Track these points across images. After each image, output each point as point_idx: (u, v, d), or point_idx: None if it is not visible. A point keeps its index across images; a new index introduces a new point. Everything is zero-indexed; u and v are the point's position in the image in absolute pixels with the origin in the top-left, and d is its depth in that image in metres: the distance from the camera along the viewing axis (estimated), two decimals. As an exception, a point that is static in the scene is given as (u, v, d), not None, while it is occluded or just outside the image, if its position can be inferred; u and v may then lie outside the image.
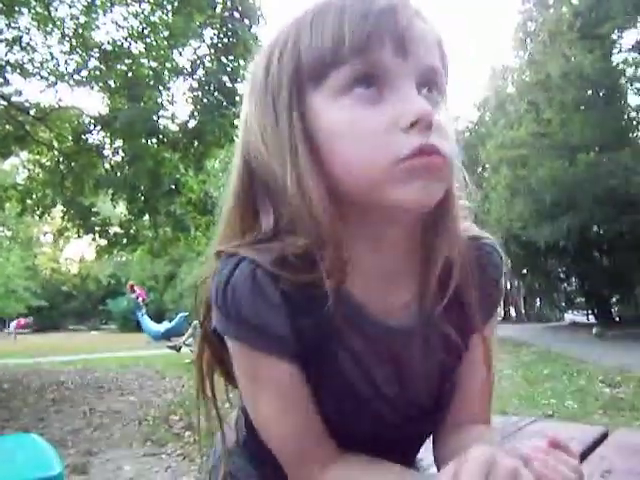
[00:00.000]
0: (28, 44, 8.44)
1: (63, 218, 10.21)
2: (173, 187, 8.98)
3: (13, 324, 24.87)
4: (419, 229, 0.63)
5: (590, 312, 21.58)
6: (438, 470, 0.66)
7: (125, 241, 10.26)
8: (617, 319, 18.74)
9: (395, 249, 0.63)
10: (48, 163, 9.98)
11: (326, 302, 0.59)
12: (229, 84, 8.69)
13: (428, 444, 0.75)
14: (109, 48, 8.32)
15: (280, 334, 0.60)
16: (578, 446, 0.85)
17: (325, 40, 0.56)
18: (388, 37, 0.55)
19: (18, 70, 8.46)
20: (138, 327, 19.07)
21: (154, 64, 8.61)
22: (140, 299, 19.03)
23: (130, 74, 8.38)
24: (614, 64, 15.34)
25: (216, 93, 8.52)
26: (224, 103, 8.50)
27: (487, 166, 23.55)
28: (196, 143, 8.79)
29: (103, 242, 10.31)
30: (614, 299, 19.71)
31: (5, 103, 8.67)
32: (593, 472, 0.73)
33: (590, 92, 15.28)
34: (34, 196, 10.09)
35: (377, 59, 0.55)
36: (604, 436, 0.90)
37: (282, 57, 0.60)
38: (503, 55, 51.61)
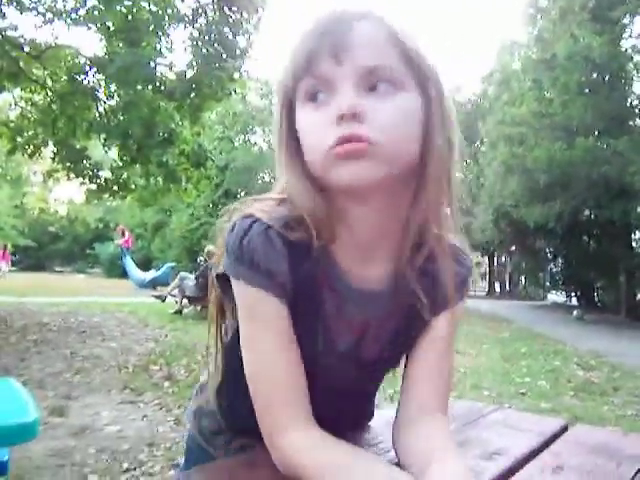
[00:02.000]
0: (25, -23, 8.18)
1: (54, 159, 10.10)
2: (167, 137, 8.88)
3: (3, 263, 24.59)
4: (395, 208, 0.72)
5: (573, 295, 21.85)
6: (396, 454, 0.74)
7: (115, 187, 10.21)
8: (599, 304, 19.00)
9: (368, 224, 0.72)
10: (41, 102, 9.81)
11: (317, 261, 0.72)
12: (230, 36, 8.52)
13: (383, 429, 0.79)
14: (109, -12, 8.10)
15: (282, 280, 0.71)
16: (535, 438, 0.88)
17: (291, 60, 0.71)
18: (327, 50, 0.67)
19: (14, 3, 8.22)
20: (124, 273, 19.11)
21: (155, 8, 8.40)
22: (125, 245, 19.02)
23: (129, 17, 8.18)
24: (623, 49, 15.12)
25: (216, 44, 8.36)
26: (223, 55, 8.34)
27: (485, 141, 23.42)
28: (193, 94, 8.65)
29: (93, 187, 10.25)
30: (598, 284, 19.93)
31: (0, 37, 8.45)
32: (546, 467, 0.76)
33: (595, 75, 15.10)
34: (25, 134, 9.96)
35: (320, 72, 0.68)
36: (563, 430, 0.94)
37: (283, 69, 0.73)
38: (513, 30, 50.75)
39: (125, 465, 2.83)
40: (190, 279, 10.04)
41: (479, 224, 21.89)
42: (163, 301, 10.95)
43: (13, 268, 31.89)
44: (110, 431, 3.39)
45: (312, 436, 0.71)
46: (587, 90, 15.06)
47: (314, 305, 0.74)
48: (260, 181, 32.92)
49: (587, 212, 17.44)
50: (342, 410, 0.81)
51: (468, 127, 26.55)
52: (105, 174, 10.36)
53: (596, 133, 14.94)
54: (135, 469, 2.80)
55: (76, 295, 13.52)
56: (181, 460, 2.74)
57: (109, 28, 8.42)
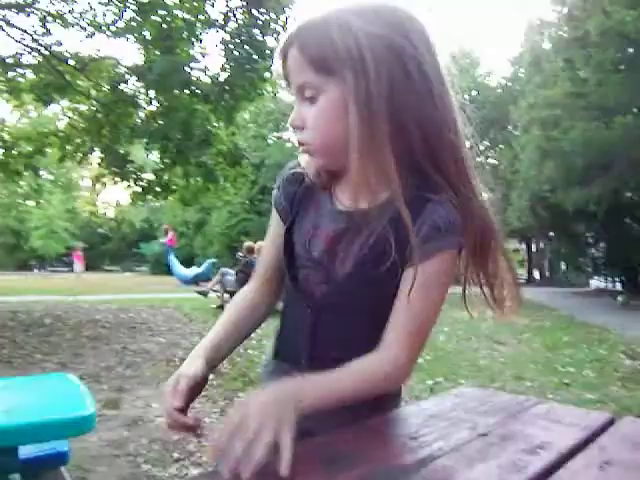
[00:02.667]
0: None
1: (100, 164, 10.36)
2: (204, 138, 8.98)
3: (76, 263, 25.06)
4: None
5: (617, 280, 21.04)
6: None
7: (158, 189, 10.39)
8: (644, 288, 18.21)
9: (346, 182, 0.90)
10: (87, 111, 10.07)
11: (311, 193, 0.95)
12: (259, 37, 8.55)
13: (424, 422, 0.78)
14: (145, 0, 8.22)
15: (280, 206, 0.99)
16: (580, 432, 0.84)
17: None
18: (284, 77, 0.89)
19: (59, 20, 8.44)
20: (168, 270, 19.45)
21: (187, 16, 8.49)
22: (169, 243, 19.34)
23: (164, 25, 8.29)
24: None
25: (247, 46, 8.39)
26: (254, 56, 8.38)
27: (518, 125, 22.83)
28: (227, 96, 8.72)
29: (137, 189, 10.46)
30: (643, 268, 19.06)
31: (47, 53, 8.69)
32: (592, 463, 0.72)
33: (631, 51, 14.46)
34: (73, 142, 10.23)
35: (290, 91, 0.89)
36: (609, 424, 0.89)
37: None
38: (541, 8, 49.18)
39: (175, 455, 2.88)
40: (231, 274, 10.14)
41: (515, 210, 21.39)
42: (205, 296, 11.08)
43: (65, 269, 32.85)
44: (161, 422, 3.45)
45: (244, 290, 1.05)
46: (622, 67, 14.48)
47: (303, 219, 0.94)
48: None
49: (628, 194, 16.80)
50: (339, 339, 0.89)
51: (499, 112, 25.97)
52: (148, 176, 10.57)
53: (635, 110, 14.36)
54: (185, 459, 2.84)
55: (125, 292, 13.85)
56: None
57: (146, 38, 8.56)
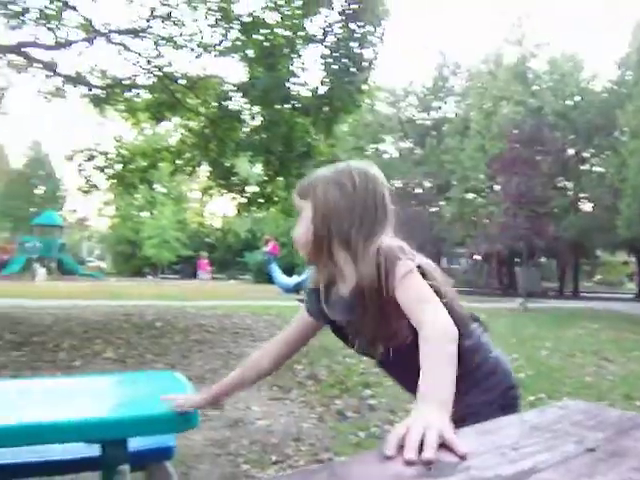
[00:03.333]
0: (179, 19, 8.91)
1: (208, 177, 10.87)
2: (305, 151, 9.17)
3: (202, 272, 26.52)
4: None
5: None
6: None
7: (261, 200, 10.72)
8: None
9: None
10: (196, 127, 10.61)
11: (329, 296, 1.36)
12: (357, 50, 8.60)
13: (526, 434, 0.73)
14: (248, 20, 8.55)
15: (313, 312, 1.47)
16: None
17: None
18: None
19: (170, 43, 8.99)
20: (270, 279, 19.96)
21: (288, 33, 8.73)
22: (271, 253, 19.86)
23: (266, 43, 8.57)
24: None
25: (345, 59, 8.48)
26: (352, 69, 8.44)
27: (625, 130, 21.25)
28: (326, 108, 8.85)
29: (242, 200, 10.85)
30: None
31: (160, 74, 9.28)
32: None
33: None
34: (184, 157, 10.82)
35: None
36: None
37: None
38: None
39: (274, 457, 2.93)
40: (330, 283, 10.19)
41: (624, 220, 19.89)
42: (306, 304, 11.21)
43: (175, 276, 34.64)
44: (260, 425, 3.53)
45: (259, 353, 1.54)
46: None
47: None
48: (392, 187, 32.74)
49: None
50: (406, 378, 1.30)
51: (605, 117, 24.35)
52: (252, 188, 10.93)
53: None
54: (283, 462, 2.88)
55: (229, 299, 14.37)
56: (324, 455, 2.75)
57: (249, 56, 8.90)
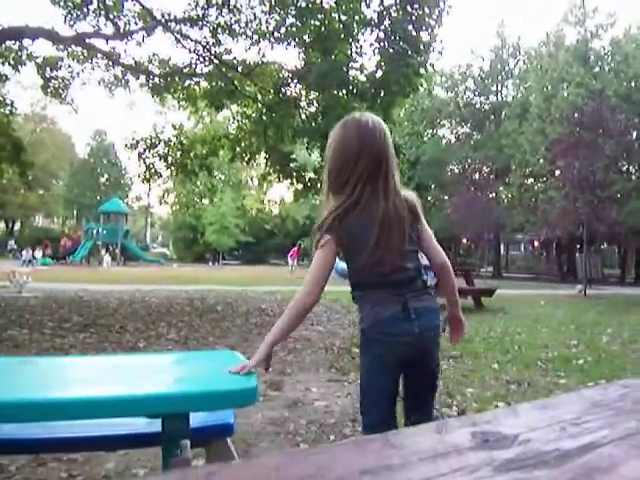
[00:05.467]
0: (235, 7, 8.98)
1: (266, 164, 10.98)
2: (361, 136, 9.09)
3: (291, 260, 27.09)
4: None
5: None
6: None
7: (319, 186, 10.74)
8: None
9: None
10: (254, 114, 10.71)
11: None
12: (414, 33, 8.42)
13: (588, 410, 0.69)
14: (303, 5, 8.52)
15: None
16: None
17: None
18: None
19: (227, 31, 9.09)
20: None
21: (344, 17, 8.64)
22: None
23: (322, 28, 8.52)
24: None
25: (401, 43, 8.32)
26: (409, 52, 8.28)
27: None
28: (382, 93, 8.74)
29: (299, 186, 10.91)
30: None
31: (217, 61, 9.40)
32: None
33: None
34: (242, 144, 10.96)
35: None
36: None
37: None
38: None
39: (332, 437, 2.93)
40: (388, 268, 10.13)
41: None
42: (363, 289, 11.21)
43: (235, 262, 35.25)
44: (318, 405, 3.56)
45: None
46: None
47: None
48: (450, 173, 32.11)
49: None
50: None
51: None
52: (309, 174, 10.97)
53: None
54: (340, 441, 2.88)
55: (288, 284, 14.53)
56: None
57: (306, 41, 8.87)
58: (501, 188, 30.40)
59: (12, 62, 10.26)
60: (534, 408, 0.77)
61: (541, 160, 25.58)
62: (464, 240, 34.34)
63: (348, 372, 4.50)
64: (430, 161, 30.48)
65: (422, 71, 8.83)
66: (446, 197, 30.78)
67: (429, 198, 32.34)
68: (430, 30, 8.61)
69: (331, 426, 3.12)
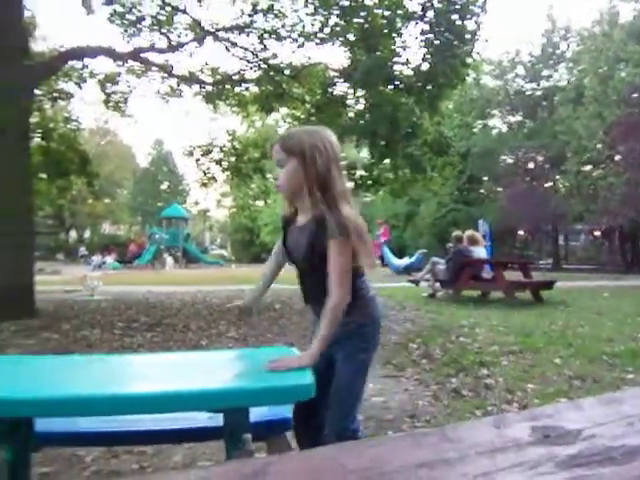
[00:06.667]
0: (279, 11, 9.07)
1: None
2: (410, 130, 8.99)
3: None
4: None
5: None
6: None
7: (369, 183, 10.71)
8: None
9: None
10: (302, 116, 10.77)
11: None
12: (458, 22, 8.24)
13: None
14: (346, 4, 8.50)
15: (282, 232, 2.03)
16: None
17: None
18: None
19: (274, 36, 9.18)
20: (382, 261, 19.98)
21: (387, 13, 8.56)
22: (383, 237, 19.82)
23: (366, 25, 8.47)
24: None
25: (446, 33, 8.16)
26: (454, 42, 8.11)
27: None
28: (429, 86, 8.61)
29: (350, 184, 10.90)
30: None
31: (265, 66, 9.52)
32: None
33: None
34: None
35: None
36: None
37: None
38: None
39: (390, 433, 2.91)
40: (441, 264, 9.98)
41: None
42: (417, 285, 11.08)
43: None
44: (376, 401, 3.53)
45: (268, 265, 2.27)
46: None
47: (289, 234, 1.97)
48: (502, 164, 31.24)
49: None
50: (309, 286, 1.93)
51: None
52: (359, 172, 10.93)
53: None
54: (399, 437, 2.85)
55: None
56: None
57: (350, 40, 8.85)
58: (557, 177, 29.34)
59: (76, 80, 10.74)
60: (599, 402, 0.74)
61: (599, 145, 24.49)
62: (520, 232, 33.34)
63: (404, 368, 4.45)
64: (481, 152, 29.73)
65: (469, 61, 8.64)
66: (499, 189, 29.97)
67: (482, 191, 31.59)
68: (475, 18, 8.41)
69: (389, 422, 3.09)
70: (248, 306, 2.19)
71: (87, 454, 2.54)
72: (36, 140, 9.85)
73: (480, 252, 9.75)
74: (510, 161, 31.50)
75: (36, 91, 8.91)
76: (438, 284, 9.98)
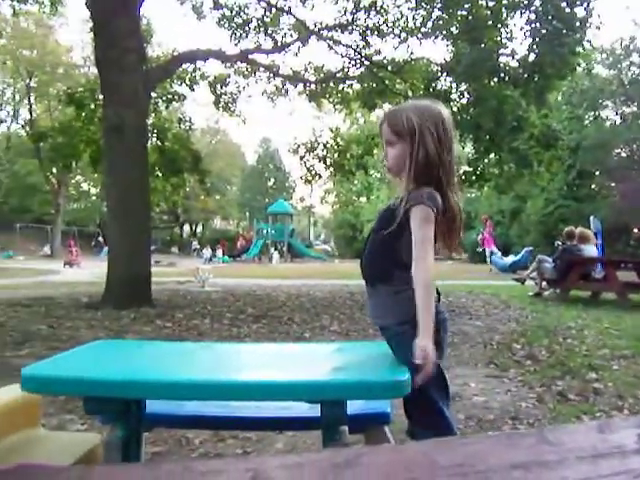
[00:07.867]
0: (382, 7, 9.01)
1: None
2: (516, 124, 8.58)
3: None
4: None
5: None
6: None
7: (473, 178, 10.37)
8: None
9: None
10: (404, 111, 10.65)
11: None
12: (567, 10, 7.71)
13: None
14: (449, -3, 8.28)
15: None
16: None
17: None
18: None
19: (376, 32, 9.15)
20: (484, 259, 19.30)
21: (491, 3, 8.22)
22: (488, 233, 19.16)
23: (470, 18, 8.19)
24: None
25: (554, 21, 7.66)
26: (563, 31, 7.60)
27: None
28: (536, 77, 8.15)
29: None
30: None
31: (368, 63, 9.52)
32: None
33: None
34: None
35: None
36: None
37: None
38: None
39: (490, 433, 2.82)
40: (548, 262, 9.47)
41: None
42: (523, 284, 10.60)
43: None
44: (477, 401, 3.43)
45: None
46: None
47: None
48: (616, 157, 28.87)
49: None
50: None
51: None
52: (463, 167, 10.63)
53: None
54: (500, 438, 2.75)
55: (445, 279, 14.23)
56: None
57: (453, 33, 8.61)
58: (680, 170, 26.70)
59: (188, 82, 11.38)
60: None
61: None
62: (635, 230, 30.73)
63: (507, 369, 4.28)
64: (593, 146, 27.67)
65: (579, 50, 8.07)
66: (612, 184, 27.79)
67: (593, 186, 29.44)
68: (585, 4, 7.83)
69: (490, 422, 3.00)
70: None
71: (195, 436, 2.69)
72: (152, 140, 10.52)
73: (591, 250, 9.18)
74: (624, 155, 29.10)
75: (152, 93, 9.51)
76: (545, 283, 9.49)
